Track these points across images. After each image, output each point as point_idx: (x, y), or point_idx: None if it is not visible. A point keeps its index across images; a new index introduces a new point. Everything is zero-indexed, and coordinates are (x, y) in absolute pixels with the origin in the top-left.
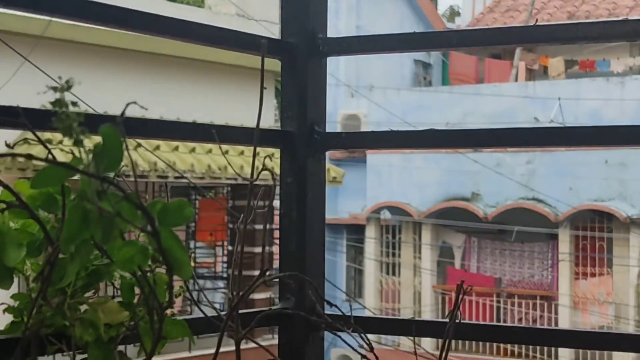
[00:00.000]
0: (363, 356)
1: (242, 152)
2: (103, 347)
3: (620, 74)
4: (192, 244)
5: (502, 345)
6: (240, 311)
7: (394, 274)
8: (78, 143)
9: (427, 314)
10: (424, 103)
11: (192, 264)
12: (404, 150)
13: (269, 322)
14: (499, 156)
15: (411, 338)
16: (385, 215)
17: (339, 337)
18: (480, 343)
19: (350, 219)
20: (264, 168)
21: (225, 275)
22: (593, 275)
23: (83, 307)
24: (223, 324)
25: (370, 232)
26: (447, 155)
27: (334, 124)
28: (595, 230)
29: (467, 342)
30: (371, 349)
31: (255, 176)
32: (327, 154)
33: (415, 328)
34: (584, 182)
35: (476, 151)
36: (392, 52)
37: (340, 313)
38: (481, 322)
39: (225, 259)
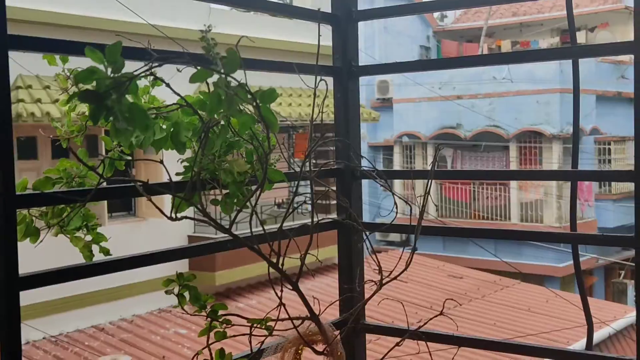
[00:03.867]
0: (382, 184)
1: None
2: (237, 185)
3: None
4: (291, 161)
5: (476, 212)
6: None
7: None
8: (215, 58)
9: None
10: (427, 70)
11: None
12: (416, 100)
13: (329, 174)
14: (473, 101)
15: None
16: (405, 139)
17: (375, 180)
18: (462, 211)
19: (384, 142)
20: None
21: None
22: None
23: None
24: (301, 167)
25: (397, 150)
26: (442, 102)
27: (372, 86)
28: (531, 142)
29: (450, 209)
30: (390, 190)
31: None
32: (364, 96)
33: (412, 174)
34: (524, 114)
35: (459, 98)
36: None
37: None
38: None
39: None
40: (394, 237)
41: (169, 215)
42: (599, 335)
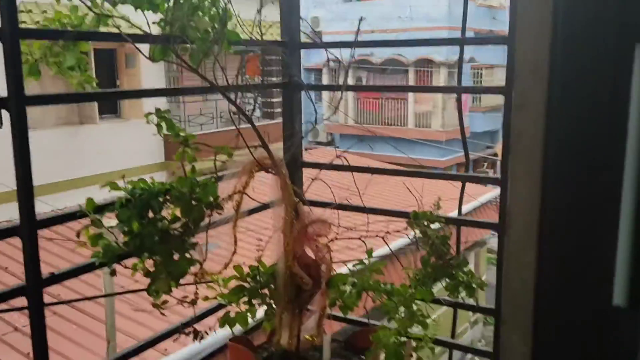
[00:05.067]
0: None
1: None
2: (203, 41)
3: None
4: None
5: (383, 120)
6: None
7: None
8: None
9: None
10: (349, 9)
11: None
12: (340, 33)
13: (277, 44)
14: (383, 35)
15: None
16: (332, 64)
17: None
18: (373, 119)
19: (315, 65)
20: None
21: None
22: None
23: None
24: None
25: (324, 72)
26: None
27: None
28: (425, 67)
29: (365, 117)
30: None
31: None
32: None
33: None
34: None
35: (372, 32)
36: None
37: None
38: None
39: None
40: (322, 138)
41: (148, 56)
42: (469, 206)
